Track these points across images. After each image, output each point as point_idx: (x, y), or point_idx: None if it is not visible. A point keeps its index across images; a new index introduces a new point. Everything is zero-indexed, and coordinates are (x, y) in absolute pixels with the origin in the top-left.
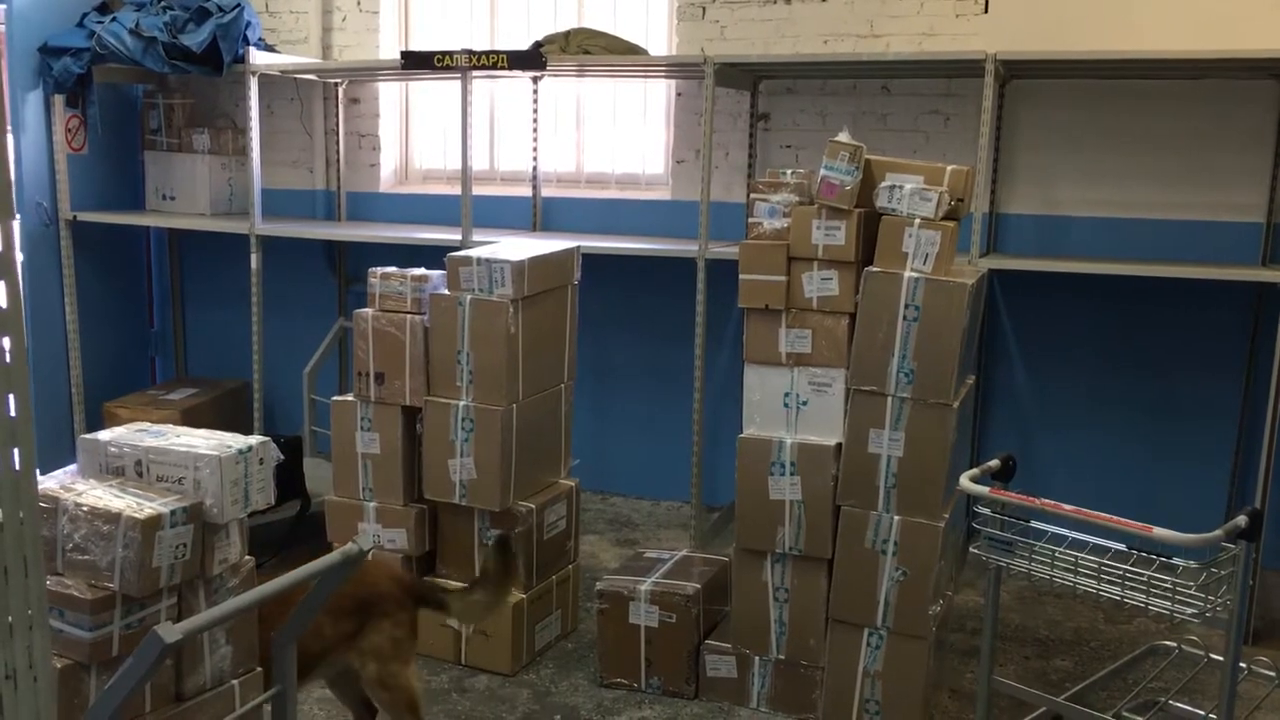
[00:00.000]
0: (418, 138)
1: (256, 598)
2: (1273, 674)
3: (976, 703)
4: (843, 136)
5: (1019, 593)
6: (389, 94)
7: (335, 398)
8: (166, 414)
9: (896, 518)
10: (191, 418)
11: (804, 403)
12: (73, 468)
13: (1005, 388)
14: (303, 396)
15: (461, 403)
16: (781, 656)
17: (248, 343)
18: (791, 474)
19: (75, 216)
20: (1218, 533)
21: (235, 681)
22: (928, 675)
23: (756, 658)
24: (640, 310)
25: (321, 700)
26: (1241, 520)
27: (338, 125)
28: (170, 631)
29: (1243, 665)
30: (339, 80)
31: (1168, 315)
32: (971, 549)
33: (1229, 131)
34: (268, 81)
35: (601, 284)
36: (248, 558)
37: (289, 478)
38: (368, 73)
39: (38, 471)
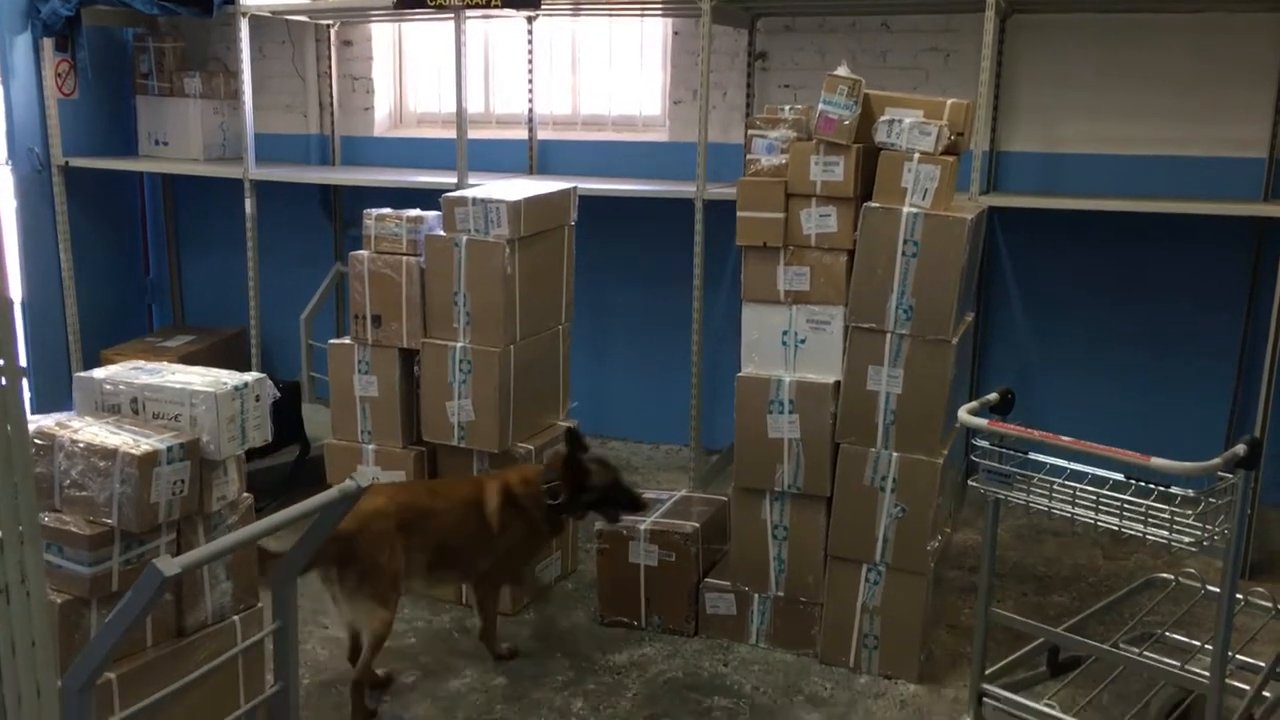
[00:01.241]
0: (412, 81)
1: (255, 533)
2: (1269, 605)
3: (974, 633)
4: (841, 70)
5: (1017, 531)
6: (382, 35)
7: (332, 341)
8: (164, 361)
9: (895, 454)
10: (189, 365)
11: (802, 341)
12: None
13: (1005, 325)
14: (300, 342)
15: (459, 344)
16: (780, 593)
17: (244, 289)
18: (790, 412)
19: (67, 162)
20: (1216, 461)
21: (236, 617)
22: (926, 610)
23: (756, 595)
24: (638, 253)
25: (325, 640)
26: (1240, 449)
27: (330, 68)
28: (169, 565)
29: (1240, 597)
30: (330, 22)
31: (1169, 251)
32: (970, 482)
33: (1232, 66)
34: (259, 23)
35: (599, 226)
36: (246, 495)
37: (288, 423)
38: (359, 13)
39: (35, 415)
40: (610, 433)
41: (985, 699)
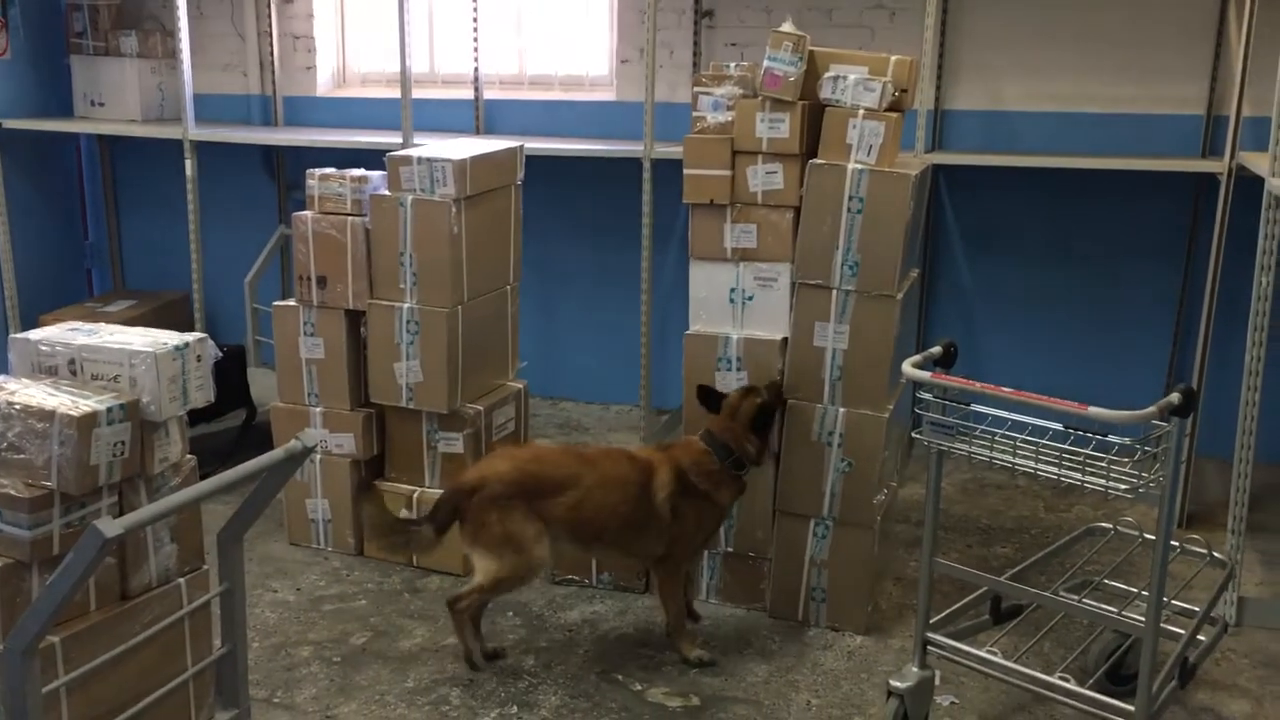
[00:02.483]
0: (355, 39)
1: (198, 494)
2: (1204, 552)
3: (919, 584)
4: (786, 26)
5: (962, 485)
6: None
7: (277, 303)
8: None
9: (842, 410)
10: None
11: (749, 298)
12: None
13: (950, 282)
14: (245, 306)
15: (406, 305)
16: (730, 549)
17: (186, 253)
18: (738, 369)
19: (1, 123)
20: (1151, 409)
21: (182, 580)
22: (873, 563)
23: (705, 551)
24: (586, 213)
25: (273, 603)
26: (1175, 397)
27: (271, 27)
28: (110, 526)
29: (1175, 544)
30: None
31: (1110, 207)
32: (913, 434)
33: (1171, 24)
34: None
35: (546, 187)
36: (189, 456)
37: (234, 388)
38: None
39: None
40: (560, 393)
41: (930, 647)
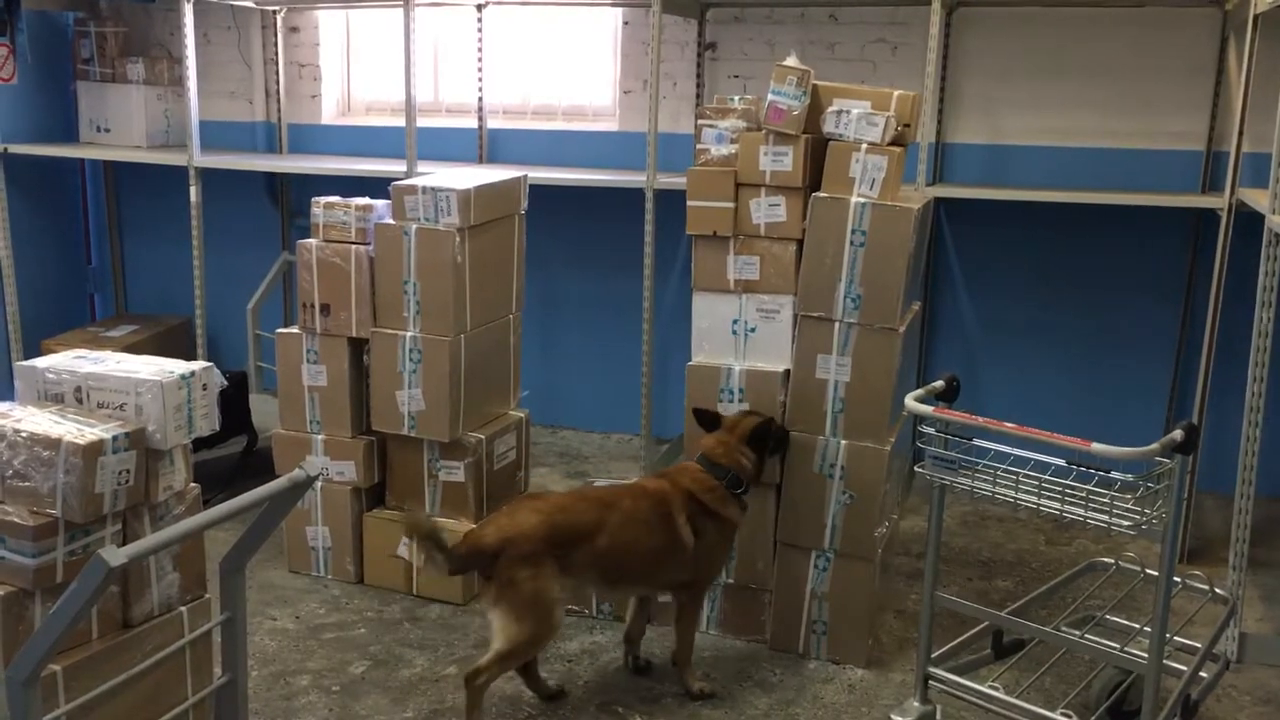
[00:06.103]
0: (360, 68)
1: (202, 523)
2: (1205, 588)
3: (920, 618)
4: (790, 61)
5: (962, 517)
6: (329, 22)
7: (280, 330)
8: (107, 351)
9: (843, 442)
10: (133, 355)
11: (752, 329)
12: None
13: (951, 315)
14: (247, 332)
15: (409, 333)
16: (730, 580)
17: (189, 278)
18: (740, 400)
19: (6, 148)
20: (1154, 446)
21: (183, 608)
22: (873, 596)
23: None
24: (589, 242)
25: (273, 631)
26: (1178, 434)
27: (277, 55)
28: (115, 555)
29: (1177, 580)
30: (277, 8)
31: (1110, 241)
32: (916, 468)
33: (1171, 60)
34: (203, 9)
35: (549, 216)
36: (193, 485)
37: (235, 413)
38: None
39: None
40: (561, 422)
41: (931, 682)
